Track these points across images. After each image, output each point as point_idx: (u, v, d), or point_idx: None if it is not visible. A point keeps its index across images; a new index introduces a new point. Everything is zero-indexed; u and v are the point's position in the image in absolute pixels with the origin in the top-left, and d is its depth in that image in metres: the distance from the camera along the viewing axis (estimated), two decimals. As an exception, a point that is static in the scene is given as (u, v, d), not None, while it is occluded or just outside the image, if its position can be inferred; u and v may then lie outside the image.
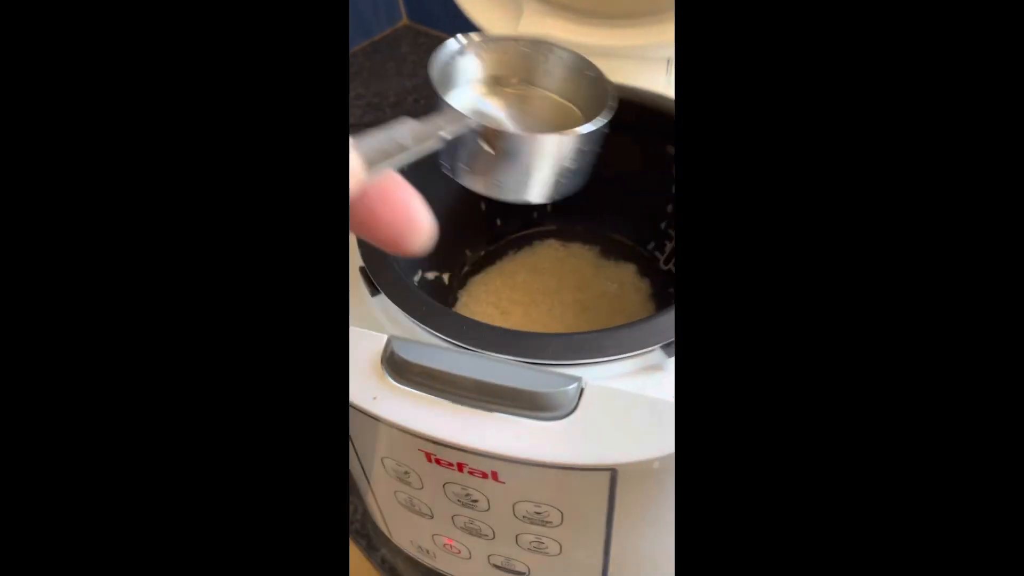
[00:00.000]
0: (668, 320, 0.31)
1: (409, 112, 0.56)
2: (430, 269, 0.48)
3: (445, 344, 0.32)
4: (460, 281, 0.50)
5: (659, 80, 0.44)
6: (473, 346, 0.31)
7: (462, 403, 0.28)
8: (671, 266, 0.48)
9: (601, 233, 0.51)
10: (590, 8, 0.45)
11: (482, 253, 0.51)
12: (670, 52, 0.43)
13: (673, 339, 0.30)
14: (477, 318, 0.47)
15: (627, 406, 0.27)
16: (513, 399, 0.27)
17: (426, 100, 0.59)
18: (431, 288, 0.47)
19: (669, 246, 0.48)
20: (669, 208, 0.47)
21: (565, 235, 0.52)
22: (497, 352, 0.31)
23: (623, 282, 0.49)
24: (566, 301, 0.48)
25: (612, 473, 0.27)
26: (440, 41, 0.33)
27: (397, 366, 0.30)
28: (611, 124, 0.45)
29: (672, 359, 0.30)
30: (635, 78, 0.44)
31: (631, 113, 0.44)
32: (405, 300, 0.33)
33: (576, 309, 0.47)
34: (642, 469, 0.27)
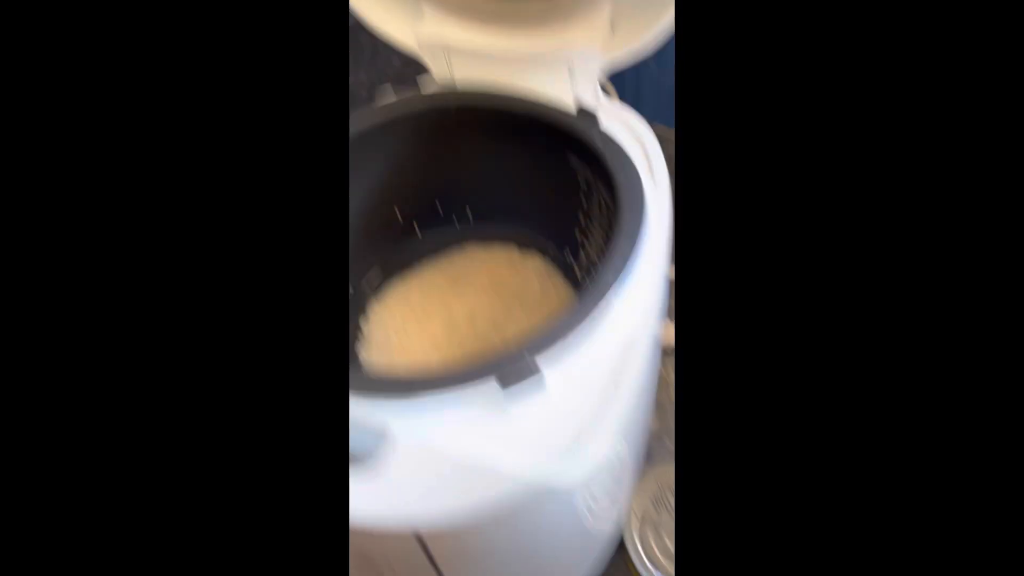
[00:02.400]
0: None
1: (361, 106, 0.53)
2: (344, 281, 0.47)
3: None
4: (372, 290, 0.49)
5: (562, 87, 0.42)
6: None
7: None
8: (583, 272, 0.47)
9: (519, 237, 0.50)
10: (491, 11, 0.43)
11: (397, 256, 0.51)
12: (571, 58, 0.41)
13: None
14: (389, 331, 0.47)
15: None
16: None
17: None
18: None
19: (582, 253, 0.47)
20: (580, 217, 0.46)
21: (485, 238, 0.51)
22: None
23: (543, 280, 0.49)
24: (488, 303, 0.47)
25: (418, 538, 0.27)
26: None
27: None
28: (512, 132, 0.44)
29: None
30: (538, 83, 0.43)
31: (528, 121, 0.42)
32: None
33: (500, 309, 0.47)
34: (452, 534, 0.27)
